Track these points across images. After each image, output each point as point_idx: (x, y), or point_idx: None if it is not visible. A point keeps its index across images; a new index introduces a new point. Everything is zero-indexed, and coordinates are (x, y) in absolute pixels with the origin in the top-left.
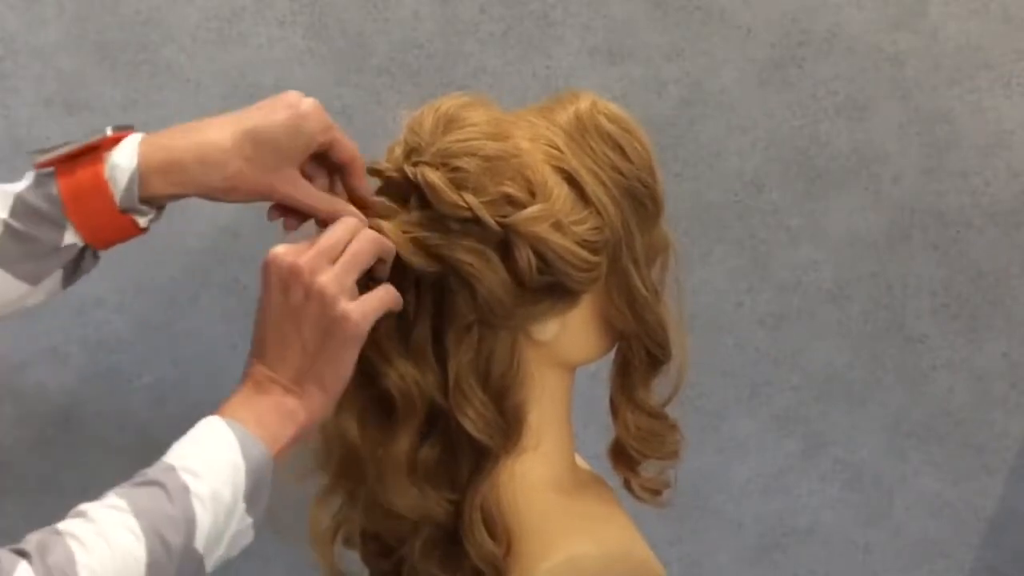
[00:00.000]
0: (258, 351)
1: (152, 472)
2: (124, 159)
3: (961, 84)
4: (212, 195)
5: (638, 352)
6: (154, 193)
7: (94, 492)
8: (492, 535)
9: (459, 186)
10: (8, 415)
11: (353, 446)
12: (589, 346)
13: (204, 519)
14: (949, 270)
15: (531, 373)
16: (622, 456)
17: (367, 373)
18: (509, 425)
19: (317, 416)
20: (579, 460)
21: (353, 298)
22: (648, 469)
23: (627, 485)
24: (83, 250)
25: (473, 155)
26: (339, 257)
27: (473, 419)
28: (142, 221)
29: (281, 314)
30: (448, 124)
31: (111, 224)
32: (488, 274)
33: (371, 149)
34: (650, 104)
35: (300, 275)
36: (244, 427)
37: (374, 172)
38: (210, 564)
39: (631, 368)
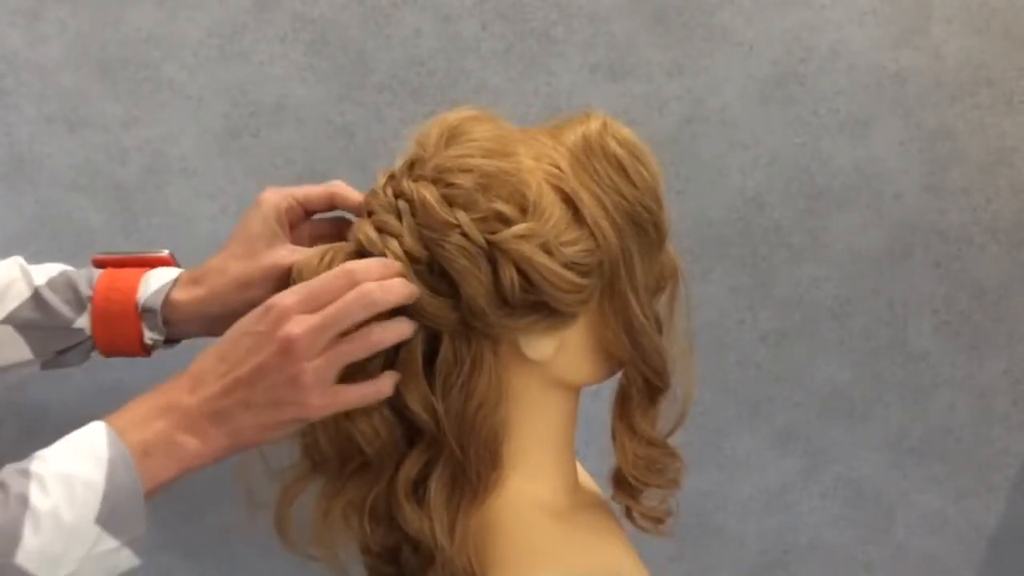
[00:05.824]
0: (195, 367)
1: (8, 469)
2: (164, 273)
3: (963, 101)
4: (228, 299)
5: (635, 380)
6: (178, 301)
7: None
8: (464, 552)
9: (451, 202)
10: (10, 433)
11: (377, 449)
12: (586, 368)
13: (31, 538)
14: (951, 287)
15: (523, 390)
16: (622, 484)
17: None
18: (487, 444)
19: (203, 462)
20: (589, 481)
21: (327, 378)
22: (650, 497)
23: (628, 513)
24: (83, 343)
25: (469, 171)
26: (342, 333)
27: (451, 428)
28: (148, 334)
29: (249, 358)
30: (451, 138)
31: (123, 319)
32: (474, 279)
33: (372, 165)
34: (652, 121)
35: (294, 349)
36: (126, 449)
37: (368, 212)
38: None
39: (629, 396)
